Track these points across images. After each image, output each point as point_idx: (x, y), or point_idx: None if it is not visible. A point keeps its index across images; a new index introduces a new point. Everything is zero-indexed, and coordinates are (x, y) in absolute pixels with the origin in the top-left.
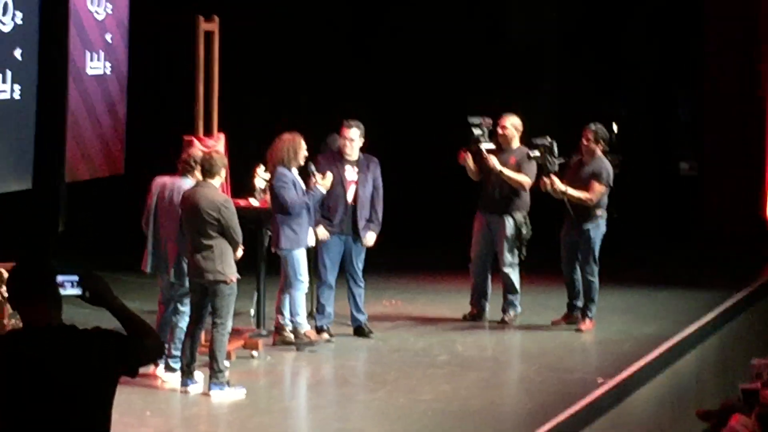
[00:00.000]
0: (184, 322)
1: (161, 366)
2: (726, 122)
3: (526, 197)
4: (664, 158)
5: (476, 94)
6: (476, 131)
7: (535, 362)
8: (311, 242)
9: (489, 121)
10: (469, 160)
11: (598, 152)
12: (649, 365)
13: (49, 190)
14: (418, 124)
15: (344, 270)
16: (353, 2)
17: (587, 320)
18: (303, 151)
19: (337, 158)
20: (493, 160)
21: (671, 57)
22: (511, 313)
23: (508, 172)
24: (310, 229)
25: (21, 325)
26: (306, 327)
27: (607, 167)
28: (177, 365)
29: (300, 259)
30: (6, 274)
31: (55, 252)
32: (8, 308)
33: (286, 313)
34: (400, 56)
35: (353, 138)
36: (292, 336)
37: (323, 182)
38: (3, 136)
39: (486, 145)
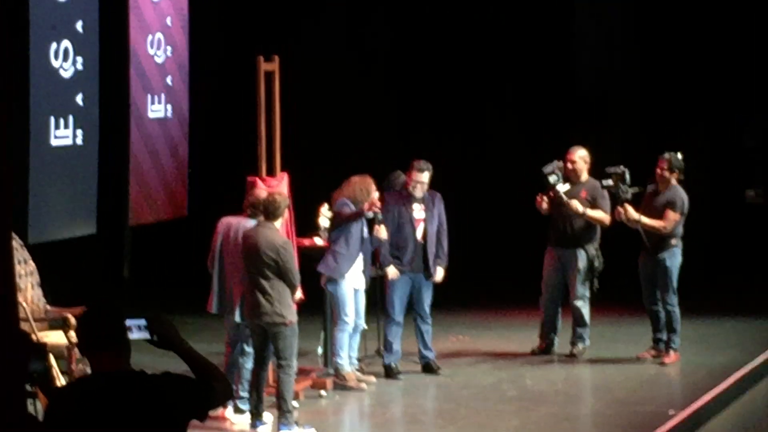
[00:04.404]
0: (251, 363)
1: (230, 408)
2: None
3: (596, 229)
4: (729, 186)
5: (548, 127)
6: (551, 178)
7: (605, 395)
8: (359, 285)
9: (560, 163)
10: (545, 204)
11: (673, 181)
12: (721, 396)
13: (113, 235)
14: (485, 158)
15: (411, 308)
16: (416, 41)
17: (672, 353)
18: (371, 194)
19: (404, 197)
20: (576, 204)
21: (736, 83)
22: (580, 346)
23: (590, 213)
24: (360, 272)
25: (89, 371)
26: (347, 368)
27: (681, 196)
28: (245, 406)
29: (345, 297)
30: (73, 320)
31: (121, 296)
32: (76, 354)
33: (341, 352)
34: (464, 93)
35: (424, 182)
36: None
37: (382, 233)
38: (66, 182)
39: (562, 187)
